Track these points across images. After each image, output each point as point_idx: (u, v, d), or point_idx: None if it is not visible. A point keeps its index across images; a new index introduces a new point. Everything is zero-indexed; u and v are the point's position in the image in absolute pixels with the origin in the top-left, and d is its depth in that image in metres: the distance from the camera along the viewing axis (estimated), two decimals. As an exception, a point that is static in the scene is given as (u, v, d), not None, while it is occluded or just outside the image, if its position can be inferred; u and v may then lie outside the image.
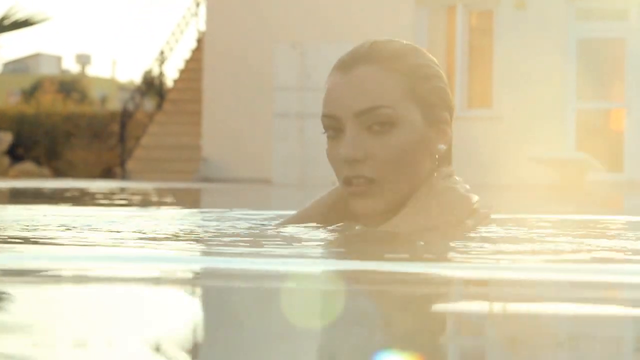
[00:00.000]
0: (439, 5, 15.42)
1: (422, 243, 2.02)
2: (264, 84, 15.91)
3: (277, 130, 15.37)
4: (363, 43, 2.16)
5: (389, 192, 2.10)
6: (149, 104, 22.30)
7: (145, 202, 5.63)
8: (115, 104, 36.76)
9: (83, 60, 55.91)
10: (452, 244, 2.02)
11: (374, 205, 2.11)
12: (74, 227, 2.46)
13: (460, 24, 15.24)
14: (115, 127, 20.45)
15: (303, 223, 2.23)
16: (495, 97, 15.02)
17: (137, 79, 49.49)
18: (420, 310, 1.22)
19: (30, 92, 33.62)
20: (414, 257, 1.75)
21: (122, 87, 46.75)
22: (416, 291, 1.37)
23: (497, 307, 1.24)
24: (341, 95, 2.10)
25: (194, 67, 19.12)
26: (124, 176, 17.97)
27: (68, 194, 7.08)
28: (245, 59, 16.29)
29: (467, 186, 2.23)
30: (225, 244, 2.04)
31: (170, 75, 20.35)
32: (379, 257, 1.72)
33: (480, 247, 1.94)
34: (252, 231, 2.33)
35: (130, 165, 18.24)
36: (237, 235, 2.27)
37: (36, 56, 54.35)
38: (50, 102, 24.66)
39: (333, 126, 2.11)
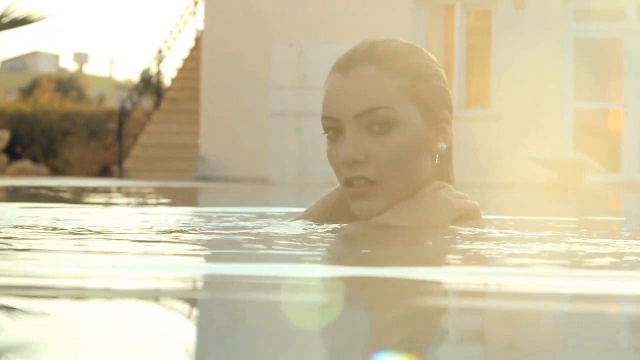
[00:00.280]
0: (437, 5, 15.42)
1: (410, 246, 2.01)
2: (262, 83, 15.91)
3: (274, 129, 15.36)
4: (362, 43, 2.15)
5: (390, 193, 2.10)
6: (146, 102, 22.29)
7: (141, 201, 5.63)
8: (112, 103, 36.73)
9: (81, 58, 55.87)
10: (443, 250, 2.01)
11: (374, 206, 2.11)
12: (64, 229, 2.45)
13: (458, 23, 15.24)
14: (113, 126, 20.44)
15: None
16: (493, 96, 15.02)
17: (134, 77, 49.47)
18: (413, 314, 1.22)
19: (28, 90, 33.59)
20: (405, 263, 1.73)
21: (119, 86, 46.73)
22: (410, 297, 1.36)
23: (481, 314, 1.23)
24: (340, 97, 2.10)
25: (191, 66, 19.11)
26: (121, 175, 17.96)
27: (64, 193, 7.07)
28: (243, 58, 16.28)
29: (462, 193, 2.22)
30: (219, 249, 2.03)
31: (168, 74, 20.33)
32: (372, 263, 1.70)
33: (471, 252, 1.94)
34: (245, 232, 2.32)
35: (127, 163, 18.23)
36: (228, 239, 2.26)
37: (34, 54, 54.31)
38: (47, 101, 24.65)
39: (333, 127, 2.11)
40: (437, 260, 1.84)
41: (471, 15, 15.44)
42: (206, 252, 1.94)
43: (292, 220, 2.30)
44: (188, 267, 1.61)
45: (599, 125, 15.20)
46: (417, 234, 2.09)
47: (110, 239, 2.09)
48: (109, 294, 1.30)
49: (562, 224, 3.00)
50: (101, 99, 39.37)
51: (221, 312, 1.18)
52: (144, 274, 1.49)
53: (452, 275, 1.60)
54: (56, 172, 20.76)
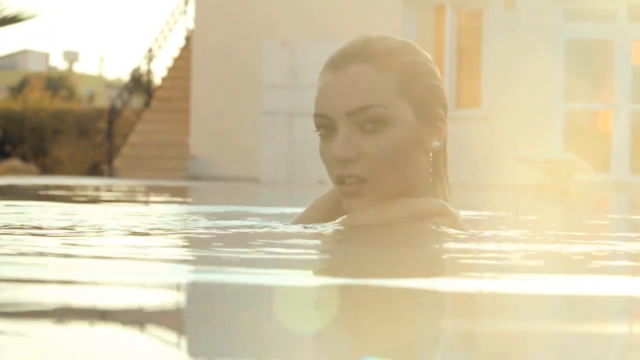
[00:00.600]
0: (428, 5, 15.43)
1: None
2: (253, 82, 15.90)
3: (265, 129, 15.35)
4: (355, 40, 2.14)
5: (382, 191, 2.09)
6: (136, 101, 22.26)
7: (131, 200, 5.62)
8: (102, 101, 36.68)
9: (70, 57, 55.79)
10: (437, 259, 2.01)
11: (367, 205, 2.10)
12: (56, 227, 2.44)
13: (449, 23, 15.25)
14: (103, 125, 20.41)
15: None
16: (483, 97, 15.03)
17: (124, 76, 49.40)
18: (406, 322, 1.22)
19: (18, 89, 33.52)
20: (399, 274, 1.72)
21: (109, 85, 46.67)
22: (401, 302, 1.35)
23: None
24: (333, 95, 2.09)
25: (182, 65, 19.09)
26: (111, 174, 17.94)
27: (53, 191, 7.06)
28: (234, 57, 16.26)
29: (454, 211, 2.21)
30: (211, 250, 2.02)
31: (159, 73, 20.32)
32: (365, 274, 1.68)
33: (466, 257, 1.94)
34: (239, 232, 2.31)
35: (117, 162, 18.21)
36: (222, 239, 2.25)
37: (24, 53, 54.21)
38: (37, 99, 24.60)
39: (325, 125, 2.10)
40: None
41: (462, 16, 15.45)
42: (193, 256, 1.93)
43: (290, 224, 2.29)
44: (177, 274, 1.57)
45: (589, 125, 15.23)
46: (384, 235, 2.07)
47: (94, 244, 2.06)
48: (93, 299, 1.28)
49: (538, 224, 3.01)
50: (91, 97, 39.31)
51: (208, 320, 1.18)
52: (127, 279, 1.46)
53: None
54: (46, 170, 20.72)
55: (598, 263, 1.86)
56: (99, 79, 51.23)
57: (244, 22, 16.23)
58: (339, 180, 2.09)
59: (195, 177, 16.16)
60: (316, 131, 2.13)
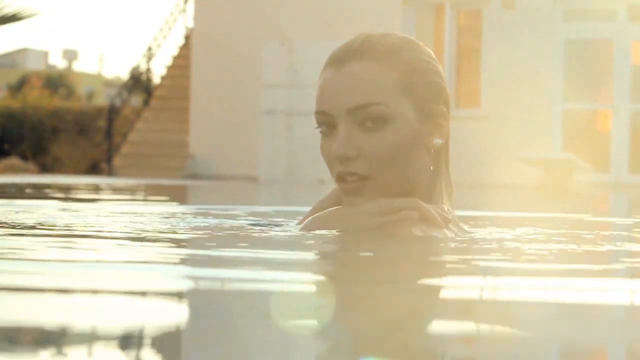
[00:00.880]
0: (427, 4, 15.43)
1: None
2: (252, 81, 15.89)
3: (264, 128, 15.34)
4: (357, 37, 2.13)
5: (383, 189, 2.08)
6: (136, 100, 22.25)
7: (130, 199, 5.62)
8: (101, 100, 36.67)
9: (70, 55, 55.77)
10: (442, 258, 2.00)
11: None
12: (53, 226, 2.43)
13: (449, 23, 15.25)
14: (102, 123, 20.40)
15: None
16: (483, 96, 15.03)
17: (124, 74, 49.38)
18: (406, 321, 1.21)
19: (17, 87, 33.51)
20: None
21: (108, 83, 46.66)
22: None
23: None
24: (334, 92, 2.08)
25: (181, 63, 19.08)
26: (110, 172, 17.93)
27: (51, 190, 7.05)
28: (233, 56, 16.26)
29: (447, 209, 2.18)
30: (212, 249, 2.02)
31: (158, 72, 20.31)
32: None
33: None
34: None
35: (116, 161, 18.20)
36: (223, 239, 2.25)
37: (23, 51, 54.19)
38: (36, 98, 24.58)
39: (326, 122, 2.10)
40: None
41: (461, 15, 15.44)
42: (196, 257, 1.92)
43: (296, 226, 2.28)
44: (180, 277, 1.54)
45: (588, 125, 15.22)
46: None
47: (94, 247, 2.04)
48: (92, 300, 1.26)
49: (533, 223, 3.00)
50: (90, 96, 39.30)
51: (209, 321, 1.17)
52: (127, 279, 1.44)
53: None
54: (45, 169, 20.71)
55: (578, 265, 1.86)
56: (98, 77, 51.21)
57: (243, 21, 16.23)
58: (340, 178, 2.08)
59: (195, 176, 16.16)
60: (317, 128, 2.12)
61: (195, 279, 1.48)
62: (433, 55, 2.19)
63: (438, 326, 1.13)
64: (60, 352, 0.93)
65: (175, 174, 16.83)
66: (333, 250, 1.98)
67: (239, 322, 1.11)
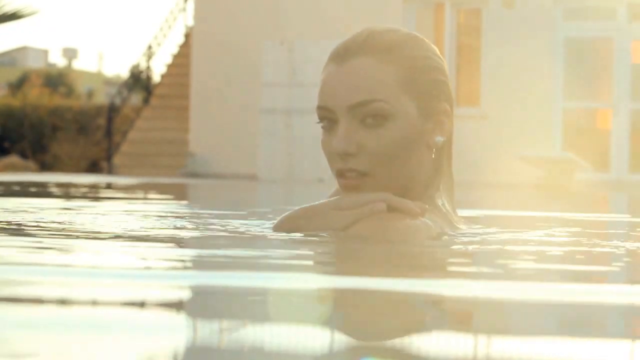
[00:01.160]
0: (427, 3, 15.42)
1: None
2: (252, 80, 15.89)
3: (264, 127, 15.34)
4: (360, 32, 2.12)
5: (382, 186, 2.08)
6: (135, 98, 22.25)
7: (127, 199, 5.61)
8: (101, 98, 36.65)
9: (70, 53, 55.76)
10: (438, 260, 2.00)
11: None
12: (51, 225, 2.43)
13: (449, 21, 15.24)
14: (102, 122, 20.40)
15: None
16: (482, 95, 15.03)
17: (123, 73, 49.38)
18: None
19: (17, 86, 33.50)
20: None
21: (108, 82, 46.65)
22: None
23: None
24: (335, 88, 2.08)
25: (181, 62, 19.08)
26: (110, 171, 17.93)
27: (52, 188, 7.04)
28: (233, 54, 16.26)
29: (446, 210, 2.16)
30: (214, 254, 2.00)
31: (158, 70, 20.31)
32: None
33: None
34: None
35: (116, 159, 18.20)
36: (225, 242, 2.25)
37: (23, 49, 54.19)
38: (36, 96, 24.58)
39: (327, 118, 2.09)
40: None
41: (461, 14, 15.44)
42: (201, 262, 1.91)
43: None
44: (181, 278, 1.50)
45: (588, 124, 15.22)
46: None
47: (92, 250, 2.02)
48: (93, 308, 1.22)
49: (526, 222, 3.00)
50: (90, 94, 39.28)
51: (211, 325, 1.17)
52: (128, 283, 1.40)
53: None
54: (45, 167, 20.70)
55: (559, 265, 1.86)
56: (98, 75, 51.21)
57: (243, 20, 16.23)
58: (340, 174, 2.08)
59: (194, 175, 16.16)
60: (318, 123, 2.12)
61: (194, 286, 1.46)
62: (437, 53, 2.17)
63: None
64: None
65: (175, 172, 16.83)
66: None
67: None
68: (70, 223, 2.47)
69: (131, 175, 16.13)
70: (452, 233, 2.13)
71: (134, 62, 20.55)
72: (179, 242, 2.11)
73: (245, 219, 2.73)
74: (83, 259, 1.70)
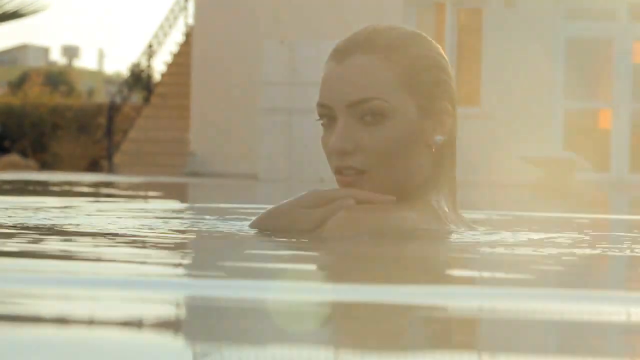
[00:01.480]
0: (428, 3, 15.42)
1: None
2: (253, 79, 15.88)
3: (264, 126, 15.33)
4: (362, 29, 2.12)
5: (380, 184, 2.07)
6: (136, 97, 22.24)
7: (127, 198, 5.60)
8: (102, 97, 36.64)
9: (70, 52, 55.77)
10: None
11: None
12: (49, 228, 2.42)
13: (449, 21, 15.24)
14: (102, 120, 20.39)
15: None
16: (483, 95, 15.02)
17: (124, 71, 49.37)
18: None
19: (17, 84, 33.50)
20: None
21: (109, 80, 46.63)
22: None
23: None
24: (334, 85, 2.08)
25: (182, 61, 19.07)
26: (110, 170, 17.92)
27: (54, 187, 7.04)
28: (234, 53, 16.25)
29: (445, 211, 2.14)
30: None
31: (158, 69, 20.29)
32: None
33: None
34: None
35: (117, 158, 18.19)
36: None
37: (23, 48, 54.19)
38: (37, 94, 24.56)
39: (327, 115, 2.10)
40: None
41: (462, 14, 15.43)
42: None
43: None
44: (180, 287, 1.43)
45: (589, 124, 15.22)
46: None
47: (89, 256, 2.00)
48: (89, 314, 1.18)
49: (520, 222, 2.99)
50: (90, 93, 39.28)
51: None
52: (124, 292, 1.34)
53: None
54: (45, 166, 20.69)
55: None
56: (98, 74, 51.22)
57: (243, 19, 16.23)
58: (337, 171, 2.08)
59: (195, 174, 16.15)
60: (318, 120, 2.12)
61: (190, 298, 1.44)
62: (440, 51, 2.16)
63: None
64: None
65: (175, 171, 16.82)
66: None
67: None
68: (64, 224, 2.45)
69: (131, 174, 16.13)
70: (441, 230, 2.09)
71: (135, 61, 20.55)
72: (174, 246, 2.10)
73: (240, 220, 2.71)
74: (81, 268, 1.65)
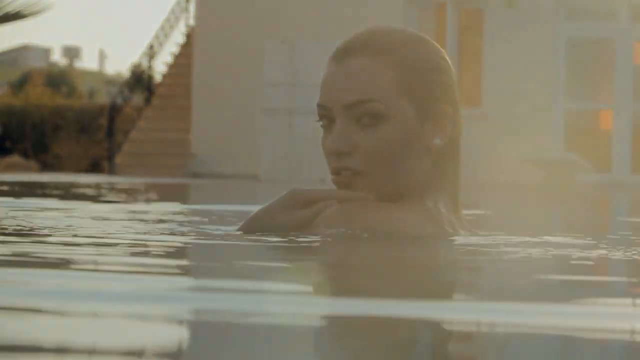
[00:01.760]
0: (429, 3, 15.42)
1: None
2: (254, 80, 15.89)
3: (266, 127, 15.34)
4: (363, 31, 2.12)
5: (376, 185, 2.07)
6: (137, 98, 22.24)
7: (128, 199, 5.60)
8: (103, 98, 36.65)
9: (71, 53, 55.77)
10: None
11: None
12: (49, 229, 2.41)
13: (450, 22, 15.23)
14: (103, 121, 20.38)
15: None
16: (484, 96, 15.02)
17: (125, 72, 49.37)
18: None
19: (18, 85, 33.50)
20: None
21: (110, 81, 46.63)
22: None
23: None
24: (333, 87, 2.08)
25: (183, 62, 19.06)
26: (111, 171, 17.92)
27: (56, 189, 7.04)
28: (235, 54, 16.25)
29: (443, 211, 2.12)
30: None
31: (159, 70, 20.28)
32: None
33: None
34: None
35: (118, 159, 18.19)
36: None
37: (24, 48, 54.20)
38: (38, 95, 24.56)
39: (326, 116, 2.10)
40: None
41: (463, 14, 15.43)
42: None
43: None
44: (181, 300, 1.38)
45: (590, 125, 15.22)
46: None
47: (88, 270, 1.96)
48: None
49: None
50: (91, 94, 39.29)
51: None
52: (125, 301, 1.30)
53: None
54: (46, 167, 20.70)
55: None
56: (99, 75, 51.22)
57: (244, 20, 16.23)
58: (334, 172, 2.09)
59: (196, 175, 16.15)
60: (318, 121, 2.13)
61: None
62: (442, 54, 2.14)
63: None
64: None
65: (176, 172, 16.82)
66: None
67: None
68: (64, 227, 2.44)
69: (133, 175, 16.12)
70: (434, 233, 2.07)
71: (136, 62, 20.55)
72: (173, 252, 2.08)
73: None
74: (79, 281, 1.59)
